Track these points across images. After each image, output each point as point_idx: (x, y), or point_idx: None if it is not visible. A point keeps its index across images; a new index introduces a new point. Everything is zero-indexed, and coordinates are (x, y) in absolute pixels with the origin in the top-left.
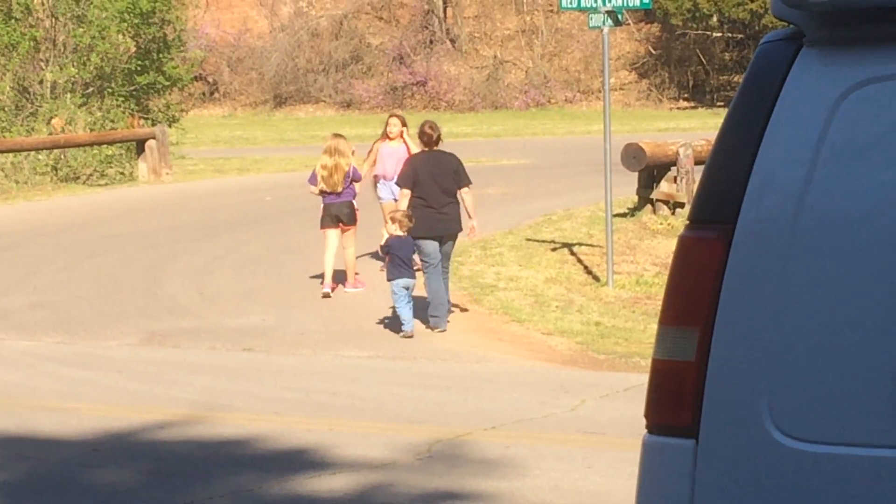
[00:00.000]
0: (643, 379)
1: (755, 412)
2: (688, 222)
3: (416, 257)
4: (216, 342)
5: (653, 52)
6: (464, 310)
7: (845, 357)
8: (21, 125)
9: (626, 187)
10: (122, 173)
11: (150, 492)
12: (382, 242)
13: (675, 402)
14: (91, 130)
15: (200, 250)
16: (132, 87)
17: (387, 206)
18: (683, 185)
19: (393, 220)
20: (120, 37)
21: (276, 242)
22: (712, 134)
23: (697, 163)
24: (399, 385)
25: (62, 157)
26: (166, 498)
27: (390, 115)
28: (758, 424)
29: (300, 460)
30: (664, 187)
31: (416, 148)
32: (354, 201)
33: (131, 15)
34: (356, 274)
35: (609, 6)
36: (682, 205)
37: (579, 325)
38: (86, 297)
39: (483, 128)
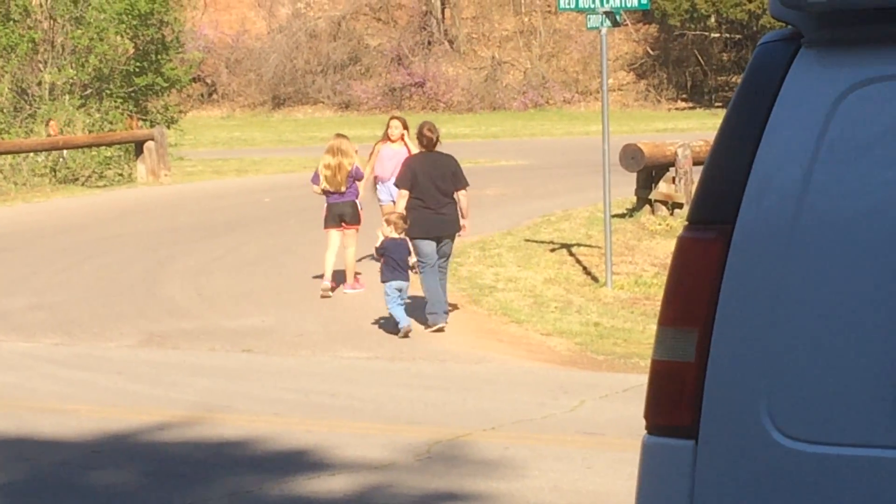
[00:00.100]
0: (642, 379)
1: (754, 413)
2: (687, 223)
3: (411, 260)
4: (215, 343)
5: (651, 52)
6: (453, 306)
7: (845, 357)
8: (20, 127)
9: (625, 188)
10: (120, 175)
11: (149, 493)
12: (377, 244)
13: (675, 402)
14: (89, 132)
15: (199, 251)
16: (130, 89)
17: (386, 208)
18: (682, 186)
19: (388, 221)
20: (118, 38)
21: (275, 243)
22: (710, 134)
23: (696, 163)
24: (398, 386)
25: (61, 158)
26: (166, 499)
27: (391, 118)
28: (757, 425)
29: (299, 461)
30: (663, 188)
31: (416, 150)
32: (358, 201)
33: (129, 16)
34: (358, 274)
35: (607, 7)
36: (680, 205)
37: (578, 325)
38: (85, 299)
39: (481, 129)
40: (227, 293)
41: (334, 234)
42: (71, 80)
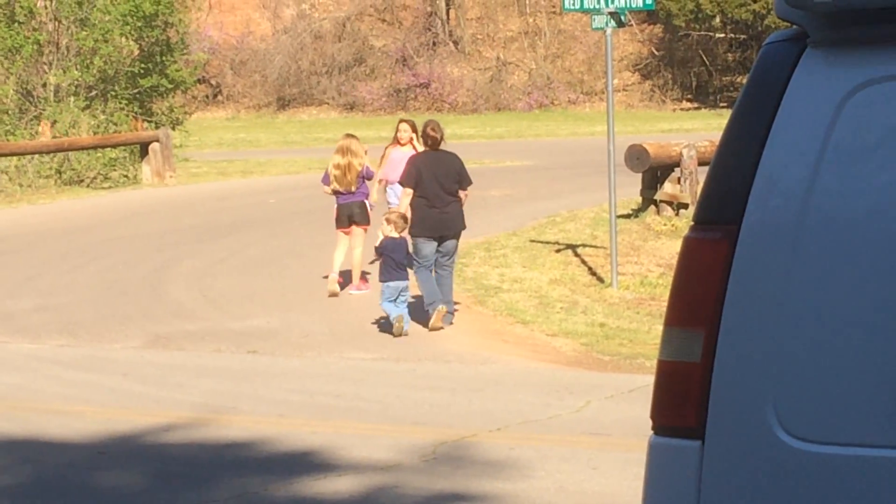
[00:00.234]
0: (648, 380)
1: (761, 413)
2: (693, 223)
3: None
4: (220, 345)
5: (656, 53)
6: (456, 304)
7: (851, 358)
8: (25, 128)
9: (630, 188)
10: (125, 176)
11: (155, 494)
12: (377, 243)
13: (681, 403)
14: (94, 133)
15: (204, 253)
16: (135, 90)
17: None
18: (687, 187)
19: (388, 221)
20: (123, 40)
21: (280, 245)
22: (715, 135)
23: (701, 164)
24: (404, 387)
25: (66, 160)
26: (171, 500)
27: (400, 121)
28: (764, 425)
29: (305, 462)
30: (668, 188)
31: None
32: (367, 201)
33: (134, 18)
34: (367, 274)
35: (612, 7)
36: (685, 206)
37: (584, 326)
38: (90, 300)
39: (486, 129)
40: (232, 294)
41: (344, 234)
42: (76, 82)
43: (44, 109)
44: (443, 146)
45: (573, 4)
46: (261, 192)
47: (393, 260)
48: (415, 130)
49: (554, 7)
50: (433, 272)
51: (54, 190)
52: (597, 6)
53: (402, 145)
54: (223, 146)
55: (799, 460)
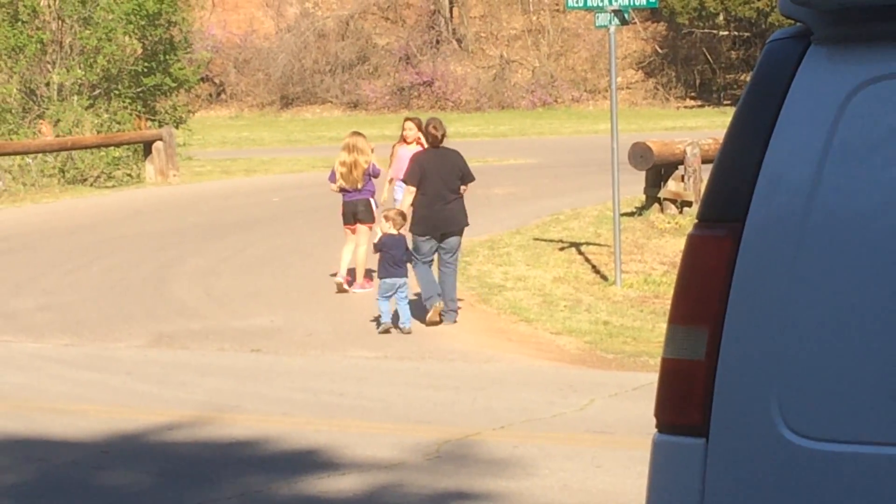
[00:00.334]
0: (652, 378)
1: (765, 411)
2: (697, 221)
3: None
4: (224, 343)
5: (659, 50)
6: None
7: (855, 355)
8: (28, 127)
9: (634, 186)
10: (129, 175)
11: (158, 493)
12: (375, 240)
13: (685, 400)
14: (98, 132)
15: (208, 252)
16: (139, 89)
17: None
18: (691, 184)
19: (386, 218)
20: (126, 39)
21: (284, 243)
22: (719, 133)
23: (705, 161)
24: (407, 385)
25: (69, 159)
26: (175, 499)
27: (406, 119)
28: (768, 423)
29: (309, 461)
30: (672, 186)
31: None
32: (373, 199)
33: (137, 17)
34: (372, 272)
35: (615, 5)
36: (689, 203)
37: (587, 324)
38: (93, 299)
39: (490, 127)
40: (235, 293)
41: (351, 232)
42: (79, 81)
43: (47, 108)
44: (446, 144)
45: (577, 2)
46: (264, 190)
47: (391, 256)
48: (420, 128)
49: (557, 5)
50: (434, 267)
51: (58, 189)
52: (600, 4)
53: (409, 143)
54: (227, 145)
55: (803, 458)
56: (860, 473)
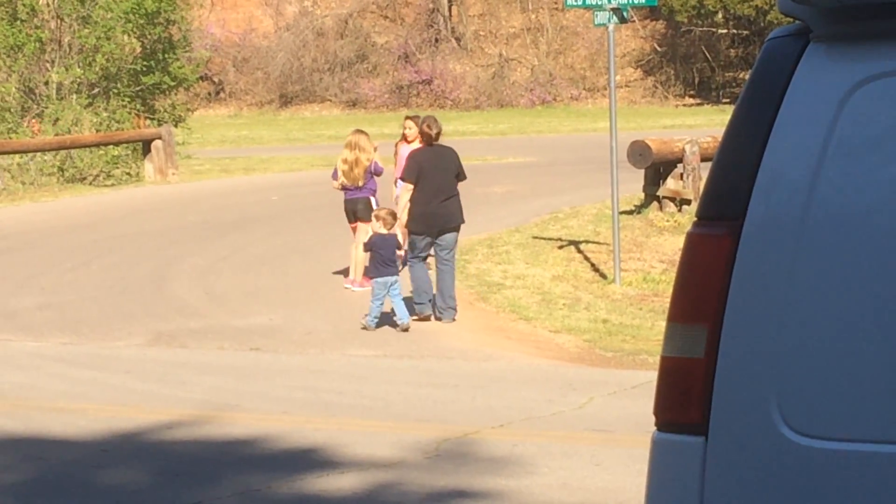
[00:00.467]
0: (651, 376)
1: (765, 409)
2: (696, 219)
3: (399, 253)
4: (224, 342)
5: (658, 49)
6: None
7: (855, 353)
8: (27, 126)
9: (633, 184)
10: (128, 174)
11: (158, 492)
12: (365, 239)
13: (685, 399)
14: (97, 131)
15: (207, 250)
16: (138, 88)
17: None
18: (690, 182)
19: (377, 218)
20: (125, 37)
21: (283, 242)
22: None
23: (704, 159)
24: (407, 384)
25: (68, 158)
26: (175, 498)
27: (406, 118)
28: (767, 421)
29: (308, 459)
30: (671, 184)
31: None
32: (374, 198)
33: (136, 15)
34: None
35: (614, 3)
36: (688, 202)
37: (587, 322)
38: (93, 298)
39: (489, 126)
40: (235, 292)
41: (353, 230)
42: (78, 80)
43: (46, 107)
44: (441, 142)
45: (576, 0)
46: (263, 189)
47: (381, 256)
48: None
49: (556, 3)
50: (433, 267)
51: (57, 188)
52: (599, 2)
53: (410, 142)
54: (226, 143)
55: (802, 456)
56: (859, 471)
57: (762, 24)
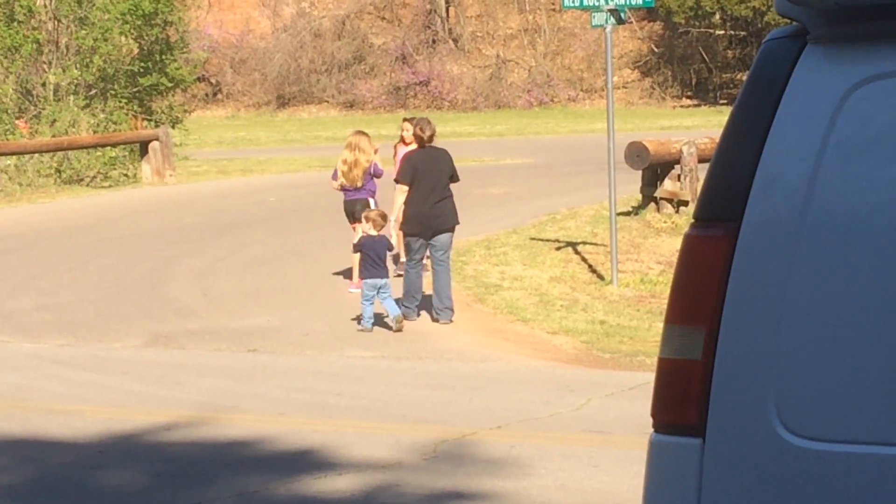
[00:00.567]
0: (648, 377)
1: (762, 410)
2: (693, 221)
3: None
4: (221, 343)
5: (655, 50)
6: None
7: (852, 354)
8: (17, 127)
9: (630, 186)
10: (125, 175)
11: (155, 493)
12: (355, 240)
13: (682, 400)
14: (94, 132)
15: (204, 251)
16: (135, 89)
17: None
18: (687, 184)
19: (367, 219)
20: (122, 38)
21: (280, 243)
22: (715, 132)
23: (701, 161)
24: (404, 385)
25: (65, 159)
26: (172, 499)
27: (404, 120)
28: (765, 423)
29: (306, 461)
30: (668, 185)
31: None
32: (372, 199)
33: (134, 17)
34: None
35: (612, 4)
36: (685, 203)
37: (584, 324)
38: (90, 300)
39: (486, 127)
40: (232, 293)
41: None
42: (75, 81)
43: (43, 109)
44: (435, 143)
45: (573, 2)
46: (261, 190)
47: (370, 257)
48: None
49: (553, 4)
50: (427, 268)
51: (54, 189)
52: (596, 3)
53: (408, 144)
54: (223, 145)
55: (800, 458)
56: (856, 473)
57: (759, 26)
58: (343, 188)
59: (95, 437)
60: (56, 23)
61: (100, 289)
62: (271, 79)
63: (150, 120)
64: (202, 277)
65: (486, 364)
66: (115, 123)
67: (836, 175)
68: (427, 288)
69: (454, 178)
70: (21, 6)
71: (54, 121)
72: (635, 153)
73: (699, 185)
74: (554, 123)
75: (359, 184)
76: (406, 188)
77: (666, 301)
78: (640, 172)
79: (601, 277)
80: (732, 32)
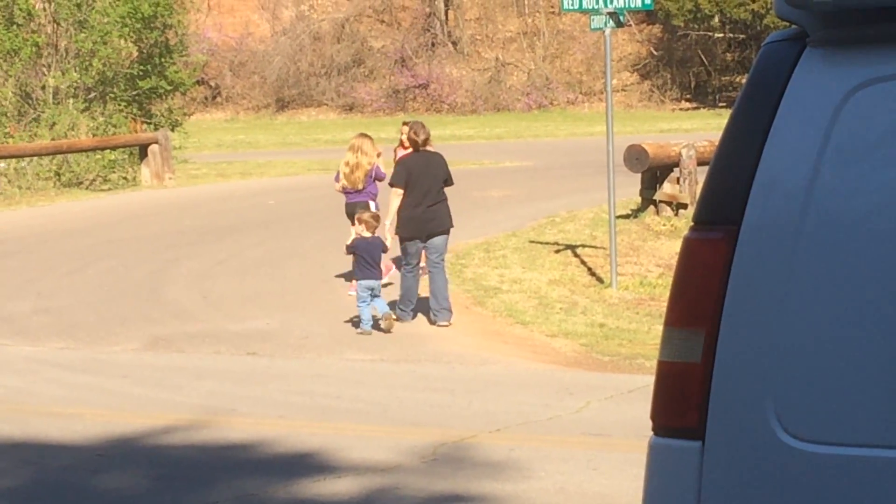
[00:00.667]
0: (648, 380)
1: (761, 413)
2: (692, 224)
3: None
4: (220, 346)
5: (654, 53)
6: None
7: (852, 357)
8: (24, 130)
9: (629, 189)
10: (124, 178)
11: (154, 497)
12: (348, 242)
13: (682, 403)
14: (93, 136)
15: (204, 255)
16: (134, 92)
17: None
18: (686, 187)
19: (359, 220)
20: (122, 42)
21: (280, 246)
22: (714, 135)
23: (700, 164)
24: (403, 388)
25: (65, 162)
26: (171, 502)
27: (403, 124)
28: (764, 426)
29: (305, 464)
30: (667, 188)
31: None
32: (373, 202)
33: (133, 20)
34: None
35: (611, 7)
36: (685, 206)
37: (583, 326)
38: (89, 303)
39: (485, 130)
40: (231, 296)
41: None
42: (75, 84)
43: (42, 112)
44: (433, 147)
45: (572, 5)
46: (260, 193)
47: (364, 259)
48: None
49: (552, 7)
50: (423, 272)
51: (53, 192)
52: (595, 6)
53: (406, 147)
54: (222, 148)
55: (799, 461)
56: (856, 476)
57: (759, 28)
58: (345, 190)
59: (95, 440)
60: (55, 26)
61: (99, 292)
62: (270, 82)
63: (149, 123)
64: (201, 280)
65: (485, 367)
66: (114, 126)
67: (835, 178)
68: (424, 291)
69: (448, 181)
70: (20, 9)
71: (53, 124)
72: (634, 156)
73: (698, 188)
74: (553, 126)
75: (360, 186)
76: (400, 192)
77: (665, 304)
78: (639, 175)
79: (600, 280)
80: (731, 35)
